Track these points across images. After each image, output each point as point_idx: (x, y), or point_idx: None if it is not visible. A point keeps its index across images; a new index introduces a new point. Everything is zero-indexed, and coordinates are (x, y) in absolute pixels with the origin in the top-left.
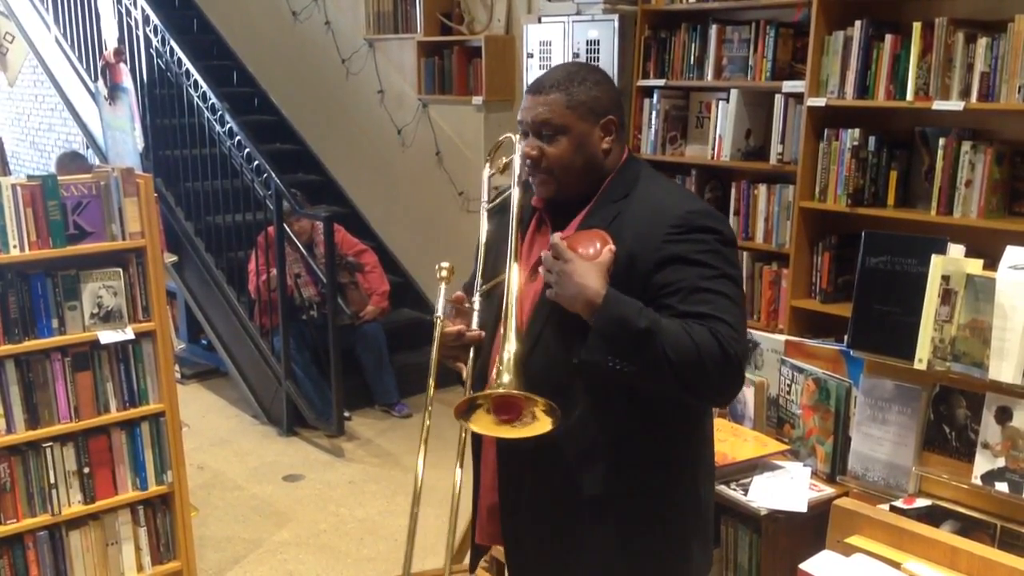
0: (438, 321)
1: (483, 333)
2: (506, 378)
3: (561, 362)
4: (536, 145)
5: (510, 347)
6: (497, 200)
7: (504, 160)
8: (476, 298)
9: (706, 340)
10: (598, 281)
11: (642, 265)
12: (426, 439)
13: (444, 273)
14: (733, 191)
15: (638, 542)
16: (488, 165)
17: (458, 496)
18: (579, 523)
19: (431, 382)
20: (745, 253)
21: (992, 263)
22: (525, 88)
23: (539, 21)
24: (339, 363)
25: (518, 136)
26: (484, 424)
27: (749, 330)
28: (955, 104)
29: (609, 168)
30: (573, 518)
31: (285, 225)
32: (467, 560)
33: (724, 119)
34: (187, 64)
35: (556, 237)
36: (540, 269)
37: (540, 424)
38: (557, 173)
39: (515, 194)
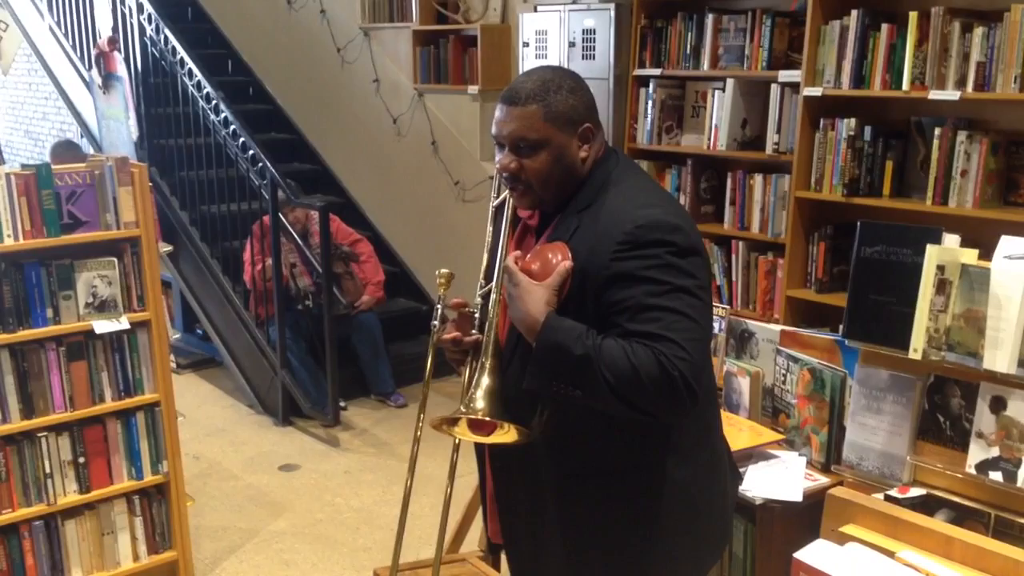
0: (434, 328)
1: (480, 337)
2: (480, 404)
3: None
4: (514, 158)
5: (487, 375)
6: (500, 198)
7: None
8: (477, 299)
9: (647, 362)
10: (539, 306)
11: (592, 283)
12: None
13: (442, 280)
14: (729, 181)
15: (599, 528)
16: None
17: (448, 497)
18: (553, 504)
19: (427, 376)
20: (741, 243)
21: (987, 253)
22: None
23: (535, 10)
24: (335, 353)
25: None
26: (462, 431)
27: (744, 320)
28: (951, 94)
29: (584, 176)
30: (547, 503)
31: (280, 215)
32: (462, 549)
33: (720, 109)
34: (181, 53)
35: (510, 260)
36: None
37: (510, 435)
38: (536, 187)
39: (509, 203)
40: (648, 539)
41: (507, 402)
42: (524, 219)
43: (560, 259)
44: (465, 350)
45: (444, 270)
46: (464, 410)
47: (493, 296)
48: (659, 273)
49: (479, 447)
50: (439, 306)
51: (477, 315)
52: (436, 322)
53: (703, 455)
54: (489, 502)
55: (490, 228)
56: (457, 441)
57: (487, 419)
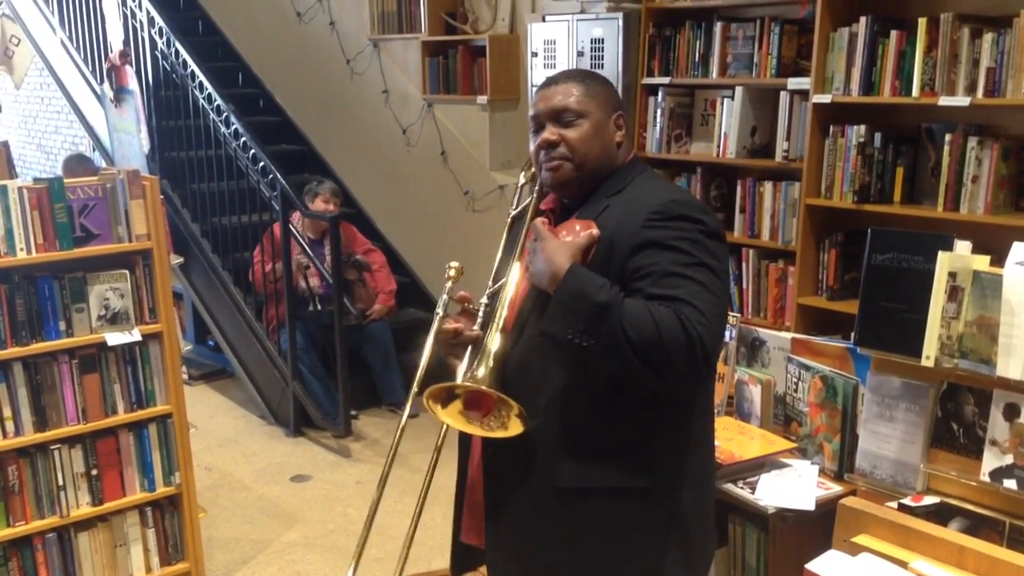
0: (437, 317)
1: (480, 334)
2: (481, 371)
3: (536, 351)
4: (555, 131)
5: (494, 343)
6: (519, 208)
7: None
8: (483, 299)
9: (668, 320)
10: (564, 257)
11: (620, 250)
12: (400, 439)
13: (452, 272)
14: (739, 189)
15: (602, 540)
16: (523, 173)
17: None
18: (549, 517)
19: (420, 373)
20: (751, 251)
21: (999, 259)
22: (530, 85)
23: (543, 20)
24: (346, 363)
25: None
26: (454, 416)
27: (755, 328)
28: (961, 100)
29: (617, 164)
30: (544, 512)
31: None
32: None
33: (729, 117)
34: (192, 66)
35: (538, 221)
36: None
37: (511, 427)
38: (575, 158)
39: (533, 200)
40: (640, 555)
41: (509, 388)
42: (544, 210)
43: (581, 228)
44: (463, 343)
45: (455, 263)
46: (470, 378)
47: (510, 281)
48: (687, 245)
49: (463, 441)
50: (444, 296)
51: (481, 314)
52: (439, 311)
53: (696, 470)
54: (469, 501)
55: (505, 235)
56: (442, 432)
57: (487, 391)
